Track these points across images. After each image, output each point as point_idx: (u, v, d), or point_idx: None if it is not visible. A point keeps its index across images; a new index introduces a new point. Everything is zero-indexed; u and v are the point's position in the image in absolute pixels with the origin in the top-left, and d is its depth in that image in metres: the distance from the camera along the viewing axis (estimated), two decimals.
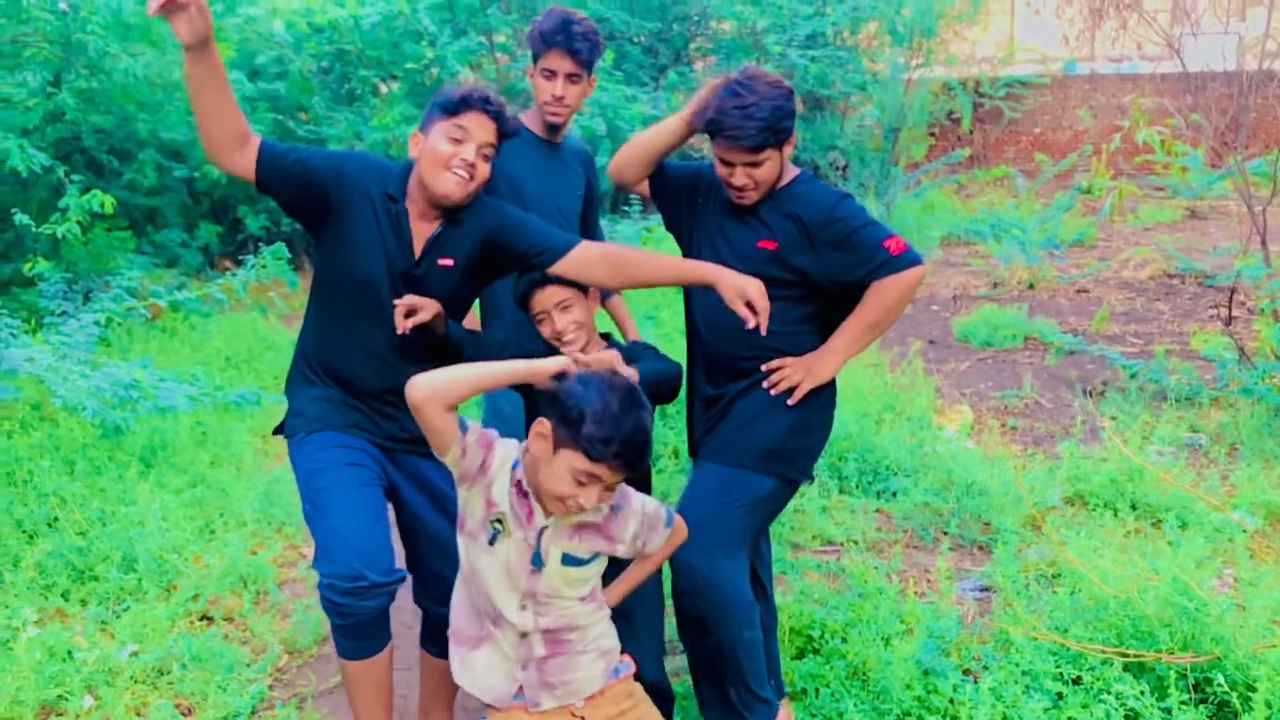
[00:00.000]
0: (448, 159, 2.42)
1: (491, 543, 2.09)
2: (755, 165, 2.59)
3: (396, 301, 2.45)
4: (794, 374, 2.65)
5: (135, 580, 3.71)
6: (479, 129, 2.42)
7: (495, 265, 2.62)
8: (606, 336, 2.72)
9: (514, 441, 2.15)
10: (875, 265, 2.58)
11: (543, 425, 2.01)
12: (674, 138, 2.73)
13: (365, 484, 2.48)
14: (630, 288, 2.65)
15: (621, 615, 2.51)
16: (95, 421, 4.56)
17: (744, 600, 2.58)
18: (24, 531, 4.09)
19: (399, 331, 2.44)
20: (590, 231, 3.52)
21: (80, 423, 4.75)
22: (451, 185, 2.43)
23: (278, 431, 2.67)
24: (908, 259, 2.57)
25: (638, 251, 2.68)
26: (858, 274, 2.60)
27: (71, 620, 3.53)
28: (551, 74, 3.19)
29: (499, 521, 2.08)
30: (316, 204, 2.48)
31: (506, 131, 2.48)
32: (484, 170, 2.47)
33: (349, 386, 2.55)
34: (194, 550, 3.95)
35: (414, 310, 2.44)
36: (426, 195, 2.48)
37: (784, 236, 2.65)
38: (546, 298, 2.56)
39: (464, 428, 2.05)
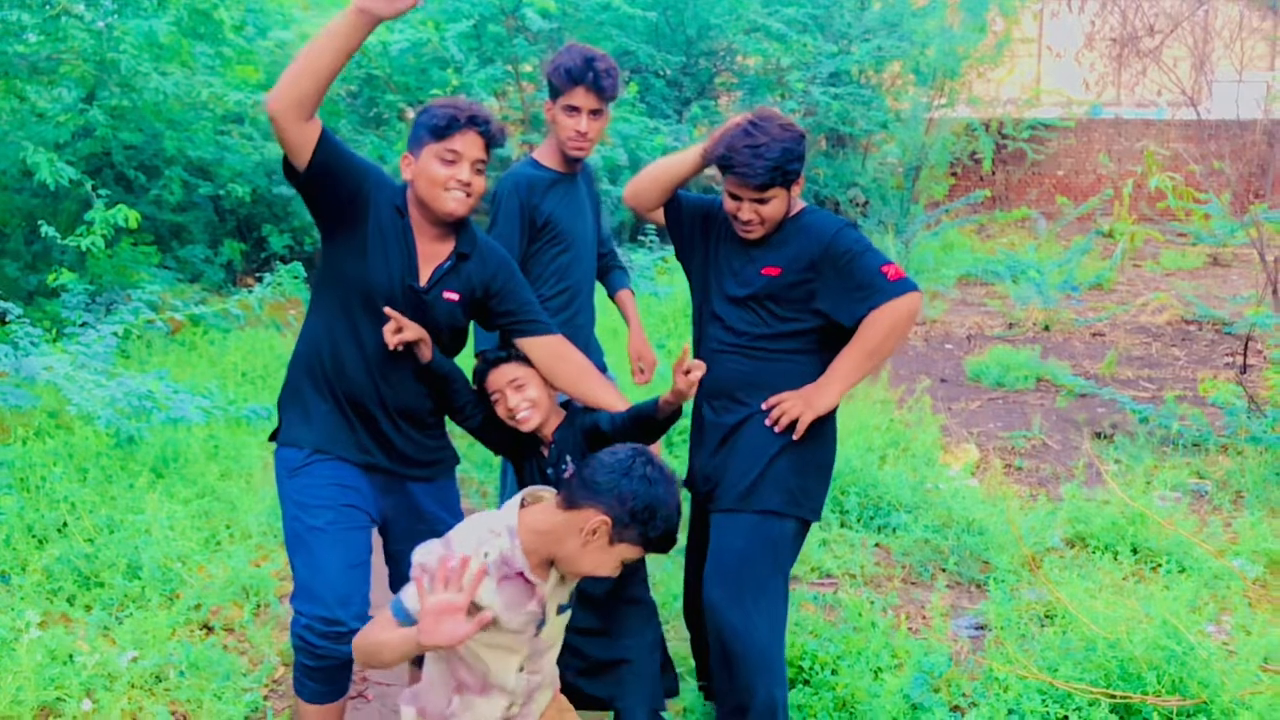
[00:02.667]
0: (445, 181, 2.48)
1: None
2: (762, 202, 2.65)
3: (387, 311, 2.49)
4: (793, 408, 2.68)
5: (139, 588, 3.77)
6: (469, 147, 2.47)
7: (483, 312, 2.68)
8: (566, 405, 2.73)
9: (470, 546, 2.05)
10: (872, 291, 2.61)
11: (599, 522, 2.02)
12: (689, 168, 2.80)
13: (355, 527, 2.53)
14: (582, 401, 2.68)
15: (624, 661, 2.57)
16: (109, 430, 4.64)
17: (772, 653, 2.64)
18: (34, 536, 4.16)
19: (390, 347, 2.49)
20: (604, 236, 3.65)
21: (94, 431, 4.83)
22: (453, 204, 2.50)
23: (273, 437, 2.69)
24: (904, 286, 2.62)
25: (600, 376, 2.74)
26: (855, 299, 2.64)
27: (75, 625, 3.59)
28: (575, 110, 3.22)
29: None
30: (348, 200, 2.50)
31: (495, 143, 2.53)
32: (480, 184, 2.53)
33: (352, 399, 2.57)
34: (199, 560, 4.01)
35: (401, 328, 2.49)
36: (428, 215, 2.54)
37: (788, 263, 2.70)
38: (500, 376, 2.61)
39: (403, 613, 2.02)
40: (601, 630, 2.64)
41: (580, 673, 2.62)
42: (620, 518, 2.02)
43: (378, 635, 2.01)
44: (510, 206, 3.22)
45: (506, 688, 2.12)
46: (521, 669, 2.13)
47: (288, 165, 2.42)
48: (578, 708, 2.46)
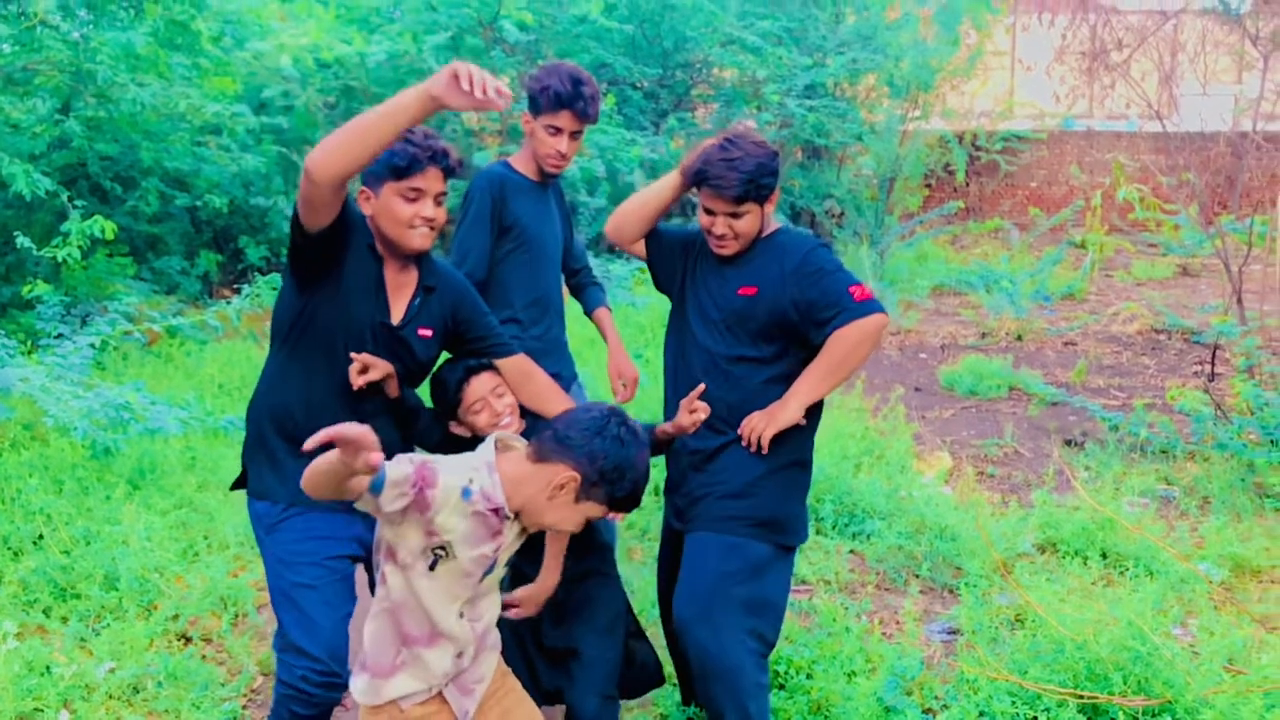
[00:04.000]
0: (410, 220, 2.48)
1: (432, 568, 2.09)
2: (736, 216, 2.70)
3: (353, 355, 2.47)
4: (758, 424, 2.72)
5: (116, 599, 3.77)
6: (431, 183, 2.48)
7: (455, 341, 2.70)
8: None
9: (455, 472, 2.09)
10: (838, 310, 2.67)
11: (568, 477, 2.05)
12: (669, 192, 2.85)
13: (340, 577, 2.55)
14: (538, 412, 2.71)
15: (572, 651, 2.61)
16: (85, 442, 4.63)
17: (747, 672, 2.67)
18: (9, 548, 4.15)
19: (354, 386, 2.47)
20: (577, 253, 3.70)
21: (71, 443, 4.82)
22: (419, 241, 2.51)
23: (239, 485, 2.66)
24: (869, 306, 2.67)
25: (563, 395, 2.78)
26: (823, 316, 2.69)
27: (51, 636, 3.59)
28: (558, 131, 3.26)
29: (441, 549, 2.08)
30: (337, 254, 2.49)
31: (455, 174, 2.55)
32: (442, 215, 2.54)
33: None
34: (176, 571, 4.02)
35: (367, 368, 2.48)
36: (391, 249, 2.54)
37: (763, 282, 2.75)
38: (482, 385, 2.65)
39: (380, 480, 1.96)
40: (559, 602, 2.68)
41: (534, 657, 2.67)
42: (589, 475, 2.06)
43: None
44: (482, 205, 3.25)
45: (452, 634, 2.14)
46: (461, 615, 2.15)
47: (297, 217, 2.37)
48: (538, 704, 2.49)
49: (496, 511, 2.09)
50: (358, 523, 2.58)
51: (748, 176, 2.65)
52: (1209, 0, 8.56)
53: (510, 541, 2.15)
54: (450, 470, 2.06)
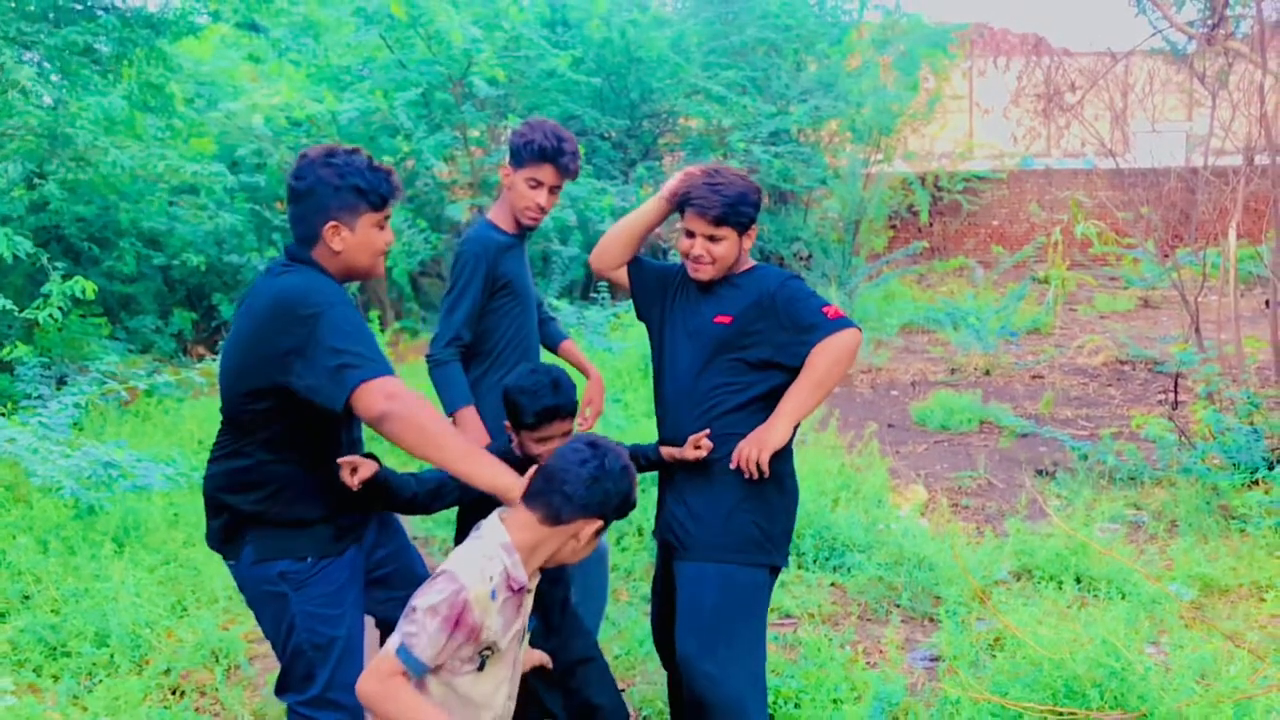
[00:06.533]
0: (384, 247, 2.59)
1: (481, 668, 2.16)
2: (714, 240, 2.83)
3: (340, 461, 2.45)
4: (749, 451, 2.75)
5: (108, 655, 3.79)
6: (392, 211, 2.61)
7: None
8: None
9: (475, 577, 2.13)
10: (814, 329, 2.75)
11: (594, 529, 2.21)
12: (653, 216, 3.00)
13: (362, 614, 2.64)
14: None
15: (588, 659, 2.72)
16: (71, 502, 4.65)
17: (746, 701, 2.74)
18: None
19: (351, 488, 2.45)
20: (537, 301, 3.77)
21: (55, 503, 4.84)
22: (382, 267, 2.63)
23: (232, 556, 2.57)
24: (844, 323, 2.78)
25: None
26: (798, 340, 2.77)
27: (45, 694, 3.60)
28: (538, 184, 3.37)
29: (488, 649, 2.16)
30: None
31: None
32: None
33: (345, 498, 2.53)
34: (166, 625, 4.04)
35: (356, 468, 2.47)
36: (348, 280, 2.59)
37: (739, 311, 2.86)
38: (565, 425, 2.74)
39: (419, 668, 2.07)
40: (554, 630, 2.76)
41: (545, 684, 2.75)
42: (607, 516, 2.21)
43: (409, 698, 2.03)
44: (478, 271, 3.35)
45: (499, 716, 2.21)
46: (508, 695, 2.22)
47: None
48: None
49: (520, 589, 2.17)
50: (365, 547, 2.67)
51: (730, 200, 2.79)
52: (1157, 41, 8.89)
53: (531, 602, 2.25)
54: (470, 577, 2.10)
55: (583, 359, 3.85)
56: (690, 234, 2.85)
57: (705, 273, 2.87)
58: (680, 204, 2.86)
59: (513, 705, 2.31)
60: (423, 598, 2.07)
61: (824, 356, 2.74)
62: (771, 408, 2.82)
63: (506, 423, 2.78)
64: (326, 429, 2.49)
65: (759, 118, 11.79)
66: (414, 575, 2.79)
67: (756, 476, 2.74)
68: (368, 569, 2.72)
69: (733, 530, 2.81)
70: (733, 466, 2.77)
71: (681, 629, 2.81)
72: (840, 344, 2.74)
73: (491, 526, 2.21)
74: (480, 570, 2.11)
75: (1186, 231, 11.37)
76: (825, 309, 2.79)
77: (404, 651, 2.04)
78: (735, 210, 2.80)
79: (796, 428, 2.83)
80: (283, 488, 2.49)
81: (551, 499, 2.17)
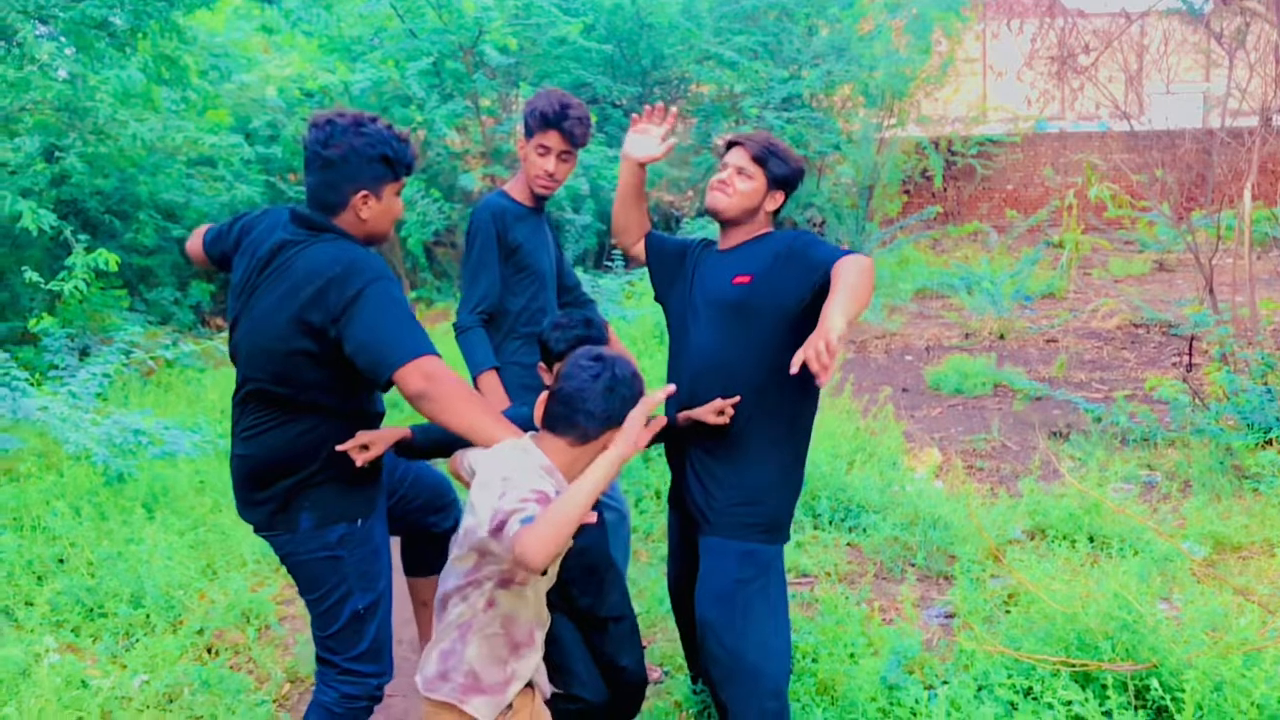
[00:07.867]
0: (400, 212, 2.67)
1: (544, 571, 2.13)
2: (742, 174, 2.90)
3: (341, 448, 2.51)
4: (817, 351, 2.33)
5: (143, 615, 3.91)
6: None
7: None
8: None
9: (535, 486, 2.13)
10: (831, 260, 2.72)
11: (618, 435, 2.16)
12: (628, 174, 3.14)
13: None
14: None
15: (622, 617, 2.80)
16: (101, 468, 4.76)
17: (762, 669, 2.80)
18: (34, 573, 4.28)
19: (358, 464, 2.51)
20: (568, 274, 3.83)
21: (86, 470, 4.95)
22: (391, 231, 2.71)
23: (269, 527, 2.61)
24: (857, 251, 2.84)
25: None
26: (819, 270, 2.74)
27: (84, 654, 3.71)
28: (546, 150, 3.42)
29: None
30: None
31: None
32: None
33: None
34: (199, 587, 4.15)
35: (367, 445, 2.52)
36: (367, 245, 2.61)
37: (758, 268, 2.89)
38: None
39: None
40: (595, 580, 2.84)
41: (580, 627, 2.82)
42: (625, 421, 2.13)
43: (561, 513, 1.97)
44: (489, 235, 3.40)
45: (545, 621, 2.34)
46: (549, 599, 2.35)
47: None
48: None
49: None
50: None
51: (773, 149, 2.90)
52: (1173, 1, 8.80)
53: None
54: (523, 482, 2.11)
55: (621, 348, 3.88)
56: (725, 165, 2.94)
57: (722, 201, 2.92)
58: (730, 143, 2.96)
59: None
60: (506, 498, 2.04)
61: (849, 266, 2.63)
62: (791, 383, 2.74)
63: (540, 364, 2.85)
64: (369, 386, 2.56)
65: (771, 83, 11.75)
66: (423, 481, 2.98)
67: (768, 456, 2.82)
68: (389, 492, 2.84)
69: (760, 513, 2.85)
70: (794, 371, 2.37)
71: (702, 598, 2.87)
72: (859, 260, 2.67)
73: (526, 451, 2.22)
74: (535, 481, 2.12)
75: (1202, 194, 11.34)
76: (839, 247, 2.86)
77: (527, 520, 1.99)
78: (773, 156, 2.89)
79: (816, 402, 2.91)
80: (331, 454, 2.53)
81: (577, 420, 2.21)
